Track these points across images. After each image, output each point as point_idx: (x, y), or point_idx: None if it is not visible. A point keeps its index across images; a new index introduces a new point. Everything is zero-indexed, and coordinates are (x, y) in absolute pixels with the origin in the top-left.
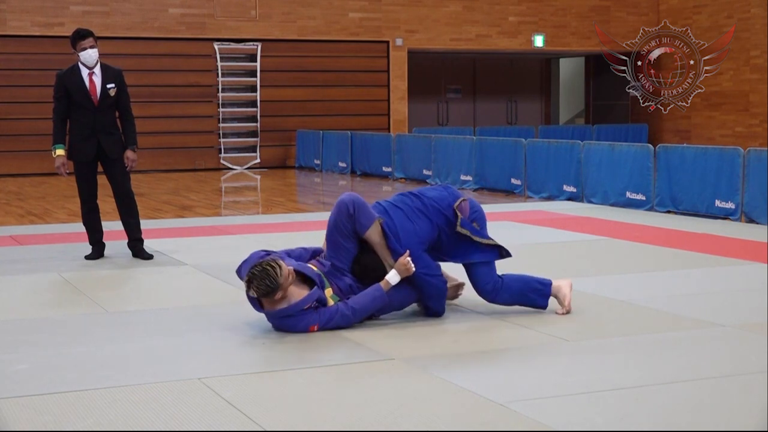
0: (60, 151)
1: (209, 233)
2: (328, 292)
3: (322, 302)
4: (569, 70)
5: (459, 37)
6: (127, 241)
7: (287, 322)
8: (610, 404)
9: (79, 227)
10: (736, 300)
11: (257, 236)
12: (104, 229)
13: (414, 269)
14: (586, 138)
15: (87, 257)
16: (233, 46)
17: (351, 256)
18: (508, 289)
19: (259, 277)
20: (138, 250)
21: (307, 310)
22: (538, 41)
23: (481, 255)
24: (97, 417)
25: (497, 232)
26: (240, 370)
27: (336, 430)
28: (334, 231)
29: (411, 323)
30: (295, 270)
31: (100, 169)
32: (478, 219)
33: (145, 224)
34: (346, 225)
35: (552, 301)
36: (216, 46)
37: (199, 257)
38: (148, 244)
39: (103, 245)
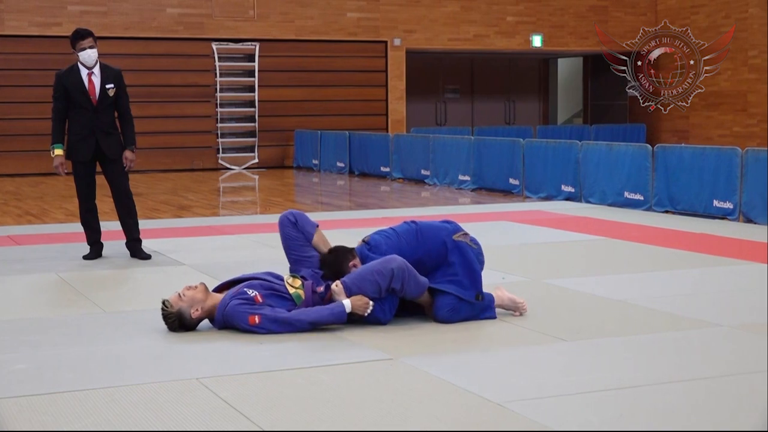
0: (58, 151)
1: (207, 233)
2: (294, 281)
3: (254, 287)
4: (567, 70)
5: (457, 37)
6: (125, 241)
7: (229, 316)
8: (608, 404)
9: (77, 227)
10: (734, 300)
11: (255, 236)
12: (102, 229)
13: (368, 313)
14: (584, 138)
15: (85, 257)
16: (231, 46)
17: (316, 262)
18: (464, 311)
19: (165, 323)
20: (136, 250)
21: (240, 301)
22: (536, 41)
23: (459, 289)
24: (95, 417)
25: (495, 232)
26: (238, 370)
27: (335, 430)
28: (290, 247)
29: (409, 324)
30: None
31: (98, 169)
32: (479, 254)
33: (143, 224)
34: (296, 235)
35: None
36: (214, 46)
37: (197, 257)
38: (146, 244)
39: (101, 245)
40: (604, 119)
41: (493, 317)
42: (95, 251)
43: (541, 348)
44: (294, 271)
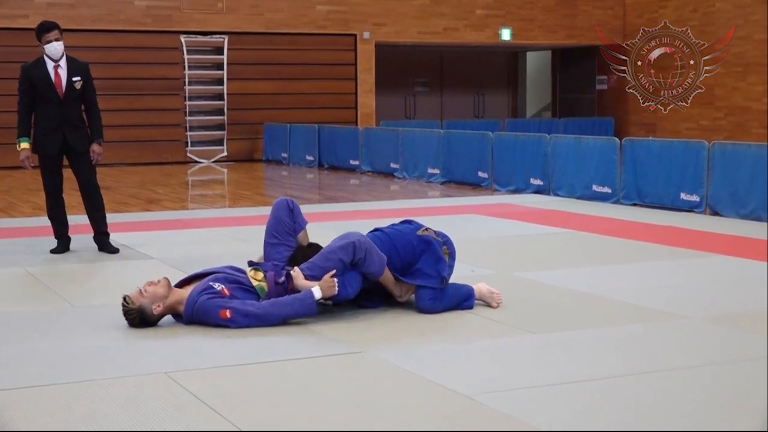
0: (25, 144)
1: (176, 227)
2: (256, 274)
3: (220, 281)
4: (536, 64)
5: (426, 30)
6: (93, 234)
7: (200, 311)
8: (577, 396)
9: (45, 221)
10: (701, 291)
11: (224, 229)
12: (70, 223)
13: (337, 291)
14: (553, 131)
15: (52, 251)
16: (200, 38)
17: (289, 252)
18: (445, 300)
19: (127, 320)
20: (104, 244)
21: (209, 295)
22: (505, 35)
23: (427, 279)
24: (63, 412)
25: (464, 225)
26: (207, 364)
27: (303, 429)
28: (278, 231)
29: (379, 316)
30: (188, 280)
31: (65, 162)
32: (448, 244)
33: (111, 218)
34: (287, 221)
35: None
36: (182, 38)
37: (166, 251)
38: (115, 238)
39: (69, 239)
40: (573, 112)
41: (471, 306)
42: (63, 245)
43: (510, 340)
44: (268, 257)
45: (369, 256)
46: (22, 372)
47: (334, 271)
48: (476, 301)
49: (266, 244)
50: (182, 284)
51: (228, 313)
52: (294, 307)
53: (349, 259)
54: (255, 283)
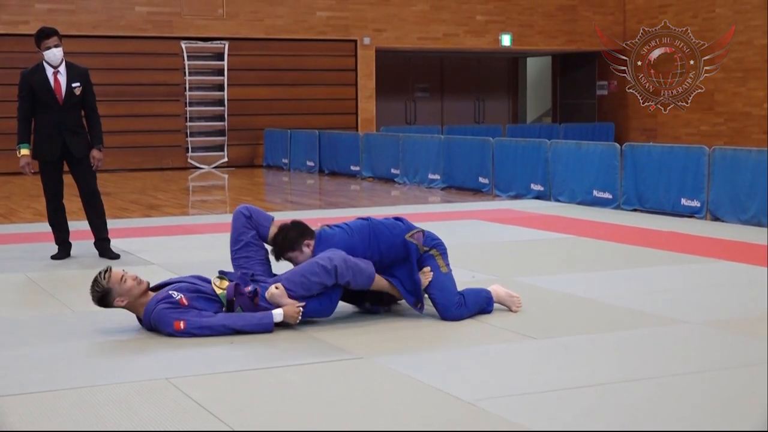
0: (25, 151)
1: (176, 232)
2: (221, 282)
3: (180, 290)
4: (536, 69)
5: (426, 36)
6: (93, 240)
7: (155, 319)
8: (577, 401)
9: (45, 227)
10: (701, 297)
11: (225, 235)
12: (70, 229)
13: (299, 320)
14: (554, 137)
15: (53, 257)
16: (200, 44)
17: (265, 265)
18: (470, 305)
19: (91, 287)
20: (104, 250)
21: (166, 305)
22: (506, 40)
23: (404, 293)
24: (64, 418)
25: (465, 231)
26: (208, 370)
27: (305, 430)
28: (234, 244)
29: (381, 323)
30: (163, 285)
31: (65, 168)
32: (438, 248)
33: (111, 224)
34: (248, 231)
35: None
36: (183, 44)
37: (167, 257)
38: (115, 244)
39: (70, 245)
40: (573, 118)
41: (491, 311)
42: (63, 251)
43: (511, 346)
44: (236, 267)
45: (354, 276)
46: (23, 378)
47: (303, 304)
48: (495, 305)
49: (232, 259)
50: (154, 290)
51: (182, 325)
52: (250, 325)
53: (332, 282)
54: (219, 291)
